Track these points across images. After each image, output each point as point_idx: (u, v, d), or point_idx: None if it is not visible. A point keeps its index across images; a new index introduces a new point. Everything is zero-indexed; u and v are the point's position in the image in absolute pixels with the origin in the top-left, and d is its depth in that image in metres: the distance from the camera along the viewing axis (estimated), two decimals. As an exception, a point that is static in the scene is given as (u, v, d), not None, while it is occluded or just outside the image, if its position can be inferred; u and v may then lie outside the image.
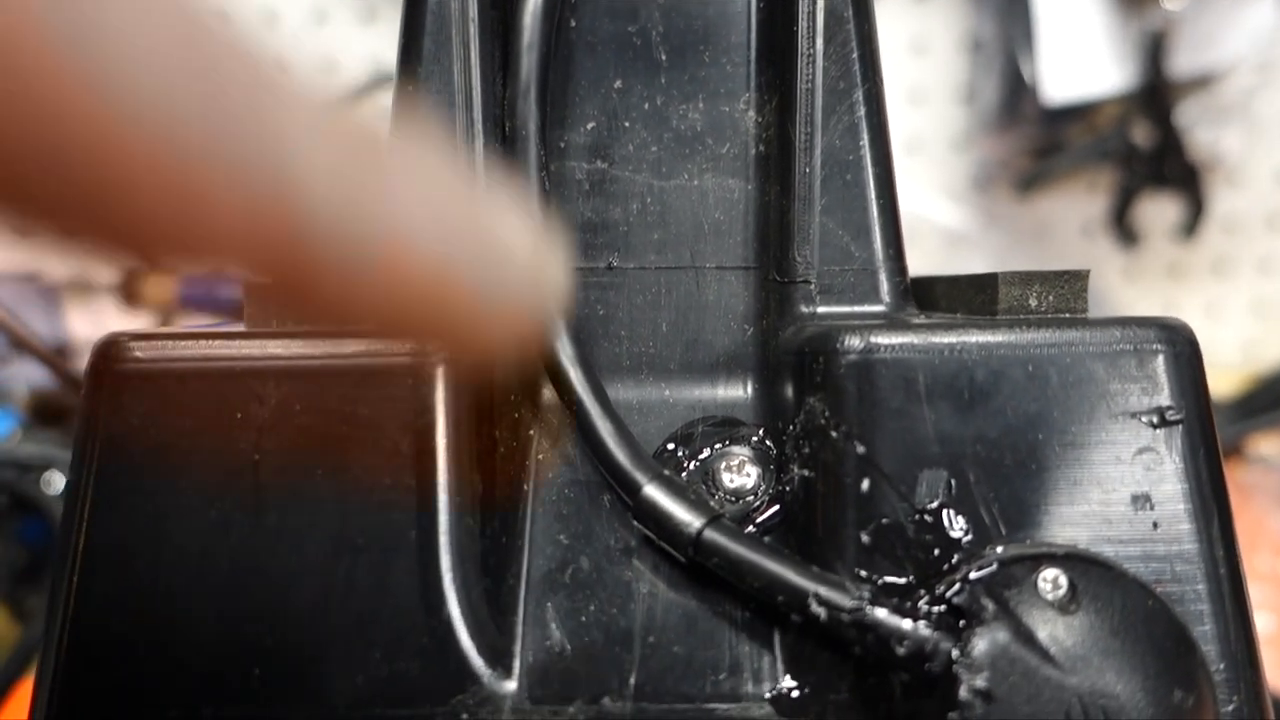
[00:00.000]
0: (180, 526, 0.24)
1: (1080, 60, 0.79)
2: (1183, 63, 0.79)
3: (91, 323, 0.90)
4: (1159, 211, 0.87)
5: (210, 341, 0.25)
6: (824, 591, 0.23)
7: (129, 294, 0.88)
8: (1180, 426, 0.24)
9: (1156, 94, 0.79)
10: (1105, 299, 0.91)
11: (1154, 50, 0.77)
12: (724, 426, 0.28)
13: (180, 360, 0.25)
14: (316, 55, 0.94)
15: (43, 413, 0.77)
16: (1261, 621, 0.66)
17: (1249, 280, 0.96)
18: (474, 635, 0.24)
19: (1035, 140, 0.84)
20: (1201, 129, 0.83)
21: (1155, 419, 0.24)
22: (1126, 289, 0.94)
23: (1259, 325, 0.97)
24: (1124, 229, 0.84)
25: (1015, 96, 0.83)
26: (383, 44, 0.94)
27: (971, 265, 0.91)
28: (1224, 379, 0.88)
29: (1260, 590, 0.66)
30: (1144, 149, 0.81)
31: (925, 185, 0.92)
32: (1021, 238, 0.92)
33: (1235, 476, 0.75)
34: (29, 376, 0.75)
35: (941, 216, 0.90)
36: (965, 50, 0.90)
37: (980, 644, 0.22)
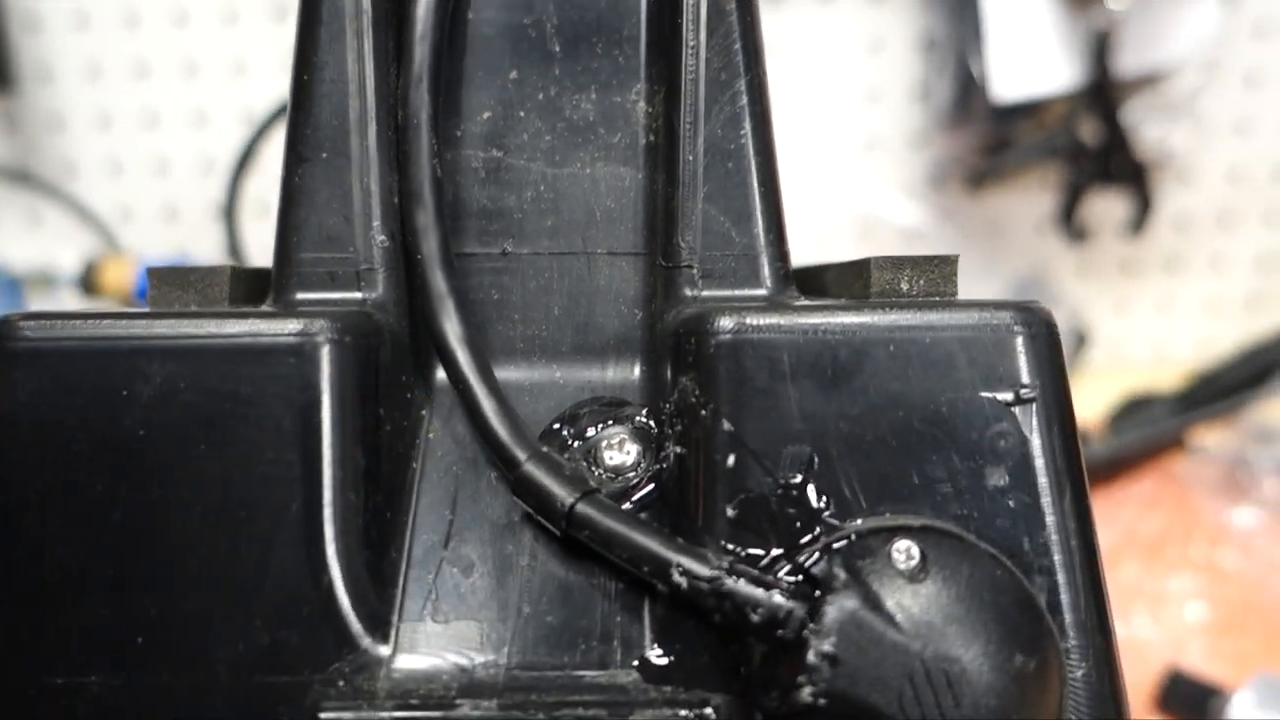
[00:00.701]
0: (66, 500, 0.25)
1: (1028, 59, 0.81)
2: (1129, 61, 0.80)
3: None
4: (1108, 208, 0.89)
5: (99, 321, 0.26)
6: (685, 561, 0.24)
7: (89, 284, 0.89)
8: (1035, 404, 0.25)
9: (1103, 92, 0.80)
10: (1057, 295, 0.92)
11: (1100, 49, 0.79)
12: (610, 407, 0.29)
13: (68, 339, 0.25)
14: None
15: None
16: (1196, 610, 0.67)
17: (1200, 277, 0.97)
18: (355, 604, 0.25)
19: (986, 137, 0.85)
20: (1148, 127, 0.84)
21: (1011, 397, 0.25)
22: (1079, 285, 0.96)
23: (1210, 322, 0.98)
24: (1072, 225, 0.85)
25: (966, 95, 0.84)
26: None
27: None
28: (1175, 374, 0.89)
29: (1195, 580, 0.68)
30: (1091, 146, 0.82)
31: (882, 182, 0.93)
32: (975, 234, 0.93)
33: (1176, 467, 0.77)
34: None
35: (897, 214, 0.91)
36: (920, 49, 0.91)
37: (830, 611, 0.23)
